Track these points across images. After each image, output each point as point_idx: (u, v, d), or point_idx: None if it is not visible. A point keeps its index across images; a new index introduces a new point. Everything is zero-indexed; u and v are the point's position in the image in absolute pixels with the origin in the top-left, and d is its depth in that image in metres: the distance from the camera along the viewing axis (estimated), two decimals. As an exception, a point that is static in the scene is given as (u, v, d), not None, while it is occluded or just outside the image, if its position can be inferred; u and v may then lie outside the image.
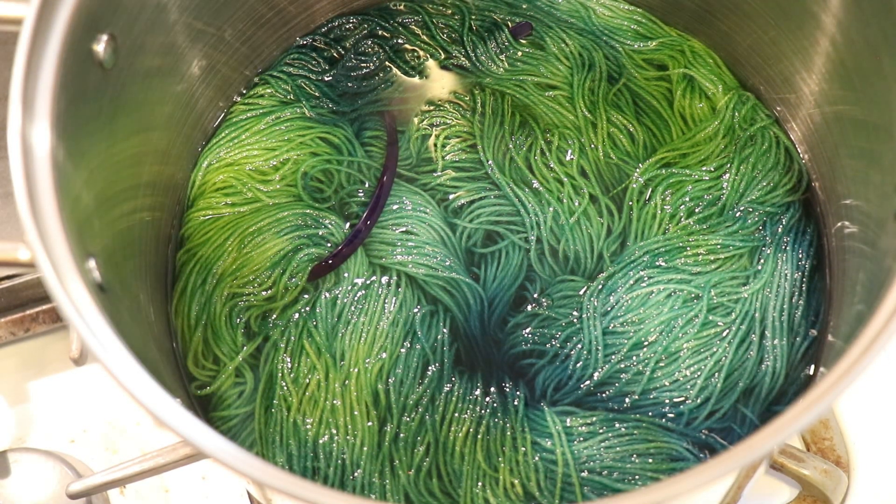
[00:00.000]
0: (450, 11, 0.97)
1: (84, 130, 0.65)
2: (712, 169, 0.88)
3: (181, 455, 0.67)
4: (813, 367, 0.82)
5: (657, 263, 0.84)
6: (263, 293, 0.84)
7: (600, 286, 0.84)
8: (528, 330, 0.83)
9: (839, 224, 0.83)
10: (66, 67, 0.61)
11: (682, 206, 0.87)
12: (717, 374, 0.81)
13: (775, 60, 0.87)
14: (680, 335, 0.82)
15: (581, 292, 0.84)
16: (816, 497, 0.88)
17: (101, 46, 0.65)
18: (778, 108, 0.90)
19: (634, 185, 0.88)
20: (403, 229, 0.87)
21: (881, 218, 0.70)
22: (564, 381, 0.82)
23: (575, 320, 0.83)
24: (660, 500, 0.50)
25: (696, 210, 0.87)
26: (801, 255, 0.85)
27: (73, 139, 0.62)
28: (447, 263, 0.85)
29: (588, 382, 0.81)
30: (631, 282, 0.84)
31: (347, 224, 0.87)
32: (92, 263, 0.62)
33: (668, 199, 0.87)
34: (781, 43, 0.85)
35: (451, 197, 0.89)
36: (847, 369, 0.54)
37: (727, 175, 0.87)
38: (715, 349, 0.81)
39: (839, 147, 0.82)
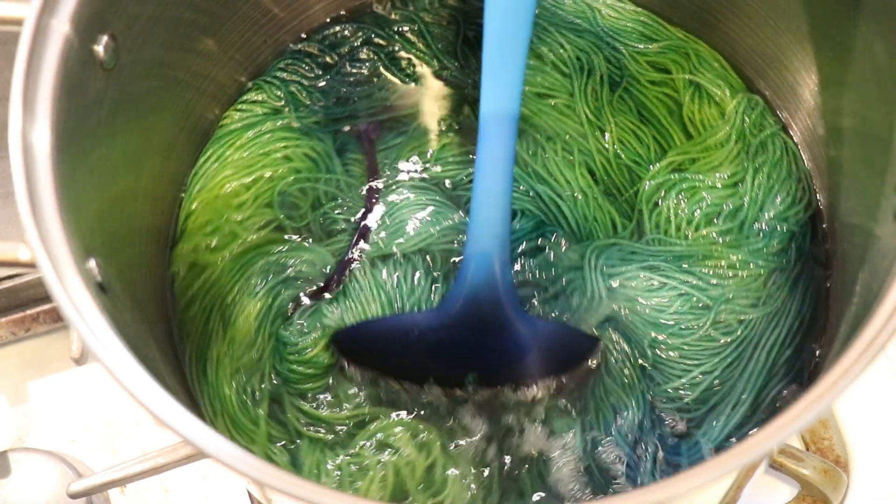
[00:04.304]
0: (445, 23, 0.95)
1: (84, 130, 0.65)
2: (726, 176, 0.86)
3: (181, 455, 0.67)
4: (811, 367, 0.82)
5: (680, 264, 0.84)
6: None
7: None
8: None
9: (839, 224, 0.83)
10: (66, 67, 0.61)
11: (698, 212, 0.85)
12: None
13: (775, 62, 0.87)
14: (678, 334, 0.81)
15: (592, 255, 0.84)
16: (816, 497, 0.88)
17: (101, 47, 0.65)
18: (780, 113, 0.90)
19: (646, 188, 0.86)
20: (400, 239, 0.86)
21: (881, 218, 0.70)
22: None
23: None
24: (660, 501, 0.50)
25: (715, 220, 0.85)
26: (808, 279, 0.84)
27: (74, 139, 0.62)
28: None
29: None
30: (645, 265, 0.83)
31: (332, 260, 0.85)
32: (92, 263, 0.61)
33: (681, 204, 0.86)
34: (782, 44, 0.85)
35: (451, 195, 0.88)
36: (847, 369, 0.54)
37: (742, 185, 0.86)
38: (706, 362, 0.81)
39: (839, 150, 0.82)
